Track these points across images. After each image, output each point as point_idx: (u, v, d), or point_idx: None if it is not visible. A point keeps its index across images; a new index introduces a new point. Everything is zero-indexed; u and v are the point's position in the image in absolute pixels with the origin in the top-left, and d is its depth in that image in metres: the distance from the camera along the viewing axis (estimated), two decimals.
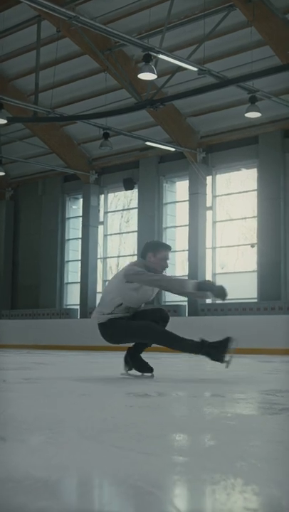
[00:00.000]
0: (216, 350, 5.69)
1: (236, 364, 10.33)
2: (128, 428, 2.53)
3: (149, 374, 5.83)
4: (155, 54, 13.60)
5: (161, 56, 13.73)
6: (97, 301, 21.42)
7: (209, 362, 10.40)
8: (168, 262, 5.93)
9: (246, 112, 15.49)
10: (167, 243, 6.39)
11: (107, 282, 5.73)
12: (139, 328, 5.70)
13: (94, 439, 2.19)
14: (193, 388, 4.79)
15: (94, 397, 3.94)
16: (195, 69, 14.27)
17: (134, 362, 5.90)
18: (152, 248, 5.91)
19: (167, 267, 5.93)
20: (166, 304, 19.61)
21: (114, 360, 10.80)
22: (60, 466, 1.76)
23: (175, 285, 5.76)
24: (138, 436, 2.33)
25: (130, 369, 5.90)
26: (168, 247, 5.99)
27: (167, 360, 11.26)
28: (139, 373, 5.86)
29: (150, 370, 5.86)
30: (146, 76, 13.85)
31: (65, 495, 1.50)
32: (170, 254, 6.00)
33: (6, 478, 1.62)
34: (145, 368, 5.88)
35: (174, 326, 19.14)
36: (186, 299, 18.96)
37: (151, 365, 5.90)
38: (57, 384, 4.91)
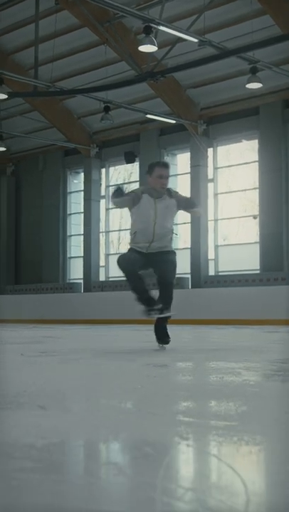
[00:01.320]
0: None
1: (243, 334, 10.47)
2: (159, 396, 2.62)
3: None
4: (155, 26, 13.53)
5: (161, 28, 13.65)
6: (100, 275, 21.60)
7: (214, 332, 10.49)
8: (165, 179, 6.04)
9: (247, 83, 15.46)
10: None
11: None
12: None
13: (131, 406, 2.28)
14: (207, 358, 4.88)
15: (115, 367, 4.03)
16: (195, 40, 14.19)
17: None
18: (148, 170, 6.14)
19: (165, 184, 6.05)
20: None
21: (118, 333, 10.93)
22: (111, 430, 1.85)
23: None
24: (171, 403, 2.42)
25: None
26: (162, 164, 6.16)
27: (172, 332, 11.38)
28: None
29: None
30: (146, 48, 13.80)
31: (126, 454, 1.58)
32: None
33: (61, 442, 1.71)
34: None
35: (177, 298, 19.26)
36: (189, 271, 19.07)
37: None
38: (74, 356, 5.01)
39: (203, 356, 5.05)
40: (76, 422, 1.99)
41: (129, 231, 6.30)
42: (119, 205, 6.43)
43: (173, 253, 6.20)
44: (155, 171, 5.99)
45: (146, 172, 6.16)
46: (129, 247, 6.18)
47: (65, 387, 2.92)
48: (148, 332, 9.66)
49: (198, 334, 10.93)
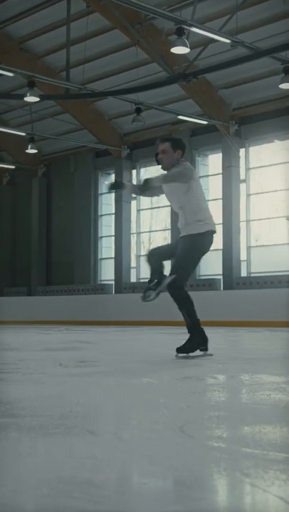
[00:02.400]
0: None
1: (278, 339, 10.34)
2: (208, 419, 2.56)
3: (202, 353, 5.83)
4: (187, 27, 13.45)
5: (193, 29, 13.58)
6: (132, 276, 21.59)
7: (247, 336, 10.38)
8: (161, 155, 5.94)
9: (280, 83, 15.32)
10: None
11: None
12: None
13: (182, 433, 2.23)
14: (247, 369, 4.79)
15: (156, 381, 3.98)
16: (228, 41, 14.10)
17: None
18: (181, 147, 5.93)
19: (160, 157, 5.94)
20: (201, 278, 19.61)
21: (151, 337, 10.87)
22: (168, 465, 1.79)
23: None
24: (222, 428, 2.37)
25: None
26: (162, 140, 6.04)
27: (208, 335, 11.29)
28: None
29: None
30: (179, 50, 13.74)
31: (189, 495, 1.52)
32: None
33: (120, 478, 1.66)
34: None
35: (210, 300, 19.11)
36: (221, 272, 18.98)
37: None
38: (114, 367, 4.97)
39: (241, 367, 4.95)
40: (130, 453, 1.93)
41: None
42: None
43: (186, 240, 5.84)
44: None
45: (175, 147, 5.87)
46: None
47: (111, 407, 2.88)
48: (180, 336, 9.59)
49: (231, 338, 10.83)
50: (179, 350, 5.73)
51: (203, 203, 5.94)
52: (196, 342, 5.79)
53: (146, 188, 5.75)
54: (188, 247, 5.76)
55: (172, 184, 5.80)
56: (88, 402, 3.00)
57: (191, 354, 5.73)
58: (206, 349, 5.85)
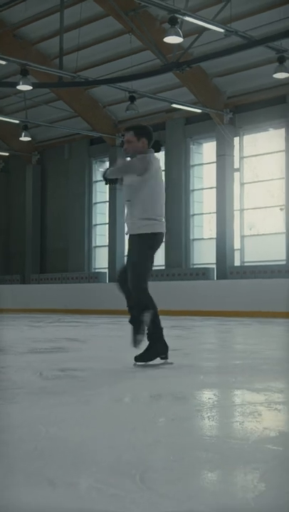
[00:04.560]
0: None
1: (269, 335, 10.29)
2: (171, 463, 2.49)
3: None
4: (180, 16, 13.29)
5: (186, 18, 13.41)
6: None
7: (238, 330, 10.34)
8: (126, 143, 5.58)
9: (274, 73, 15.24)
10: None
11: None
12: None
13: (142, 482, 2.15)
14: (233, 383, 4.73)
15: (131, 402, 3.91)
16: (222, 30, 13.94)
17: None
18: None
19: (125, 149, 5.60)
20: (195, 267, 19.56)
21: None
22: None
23: None
24: (199, 479, 2.29)
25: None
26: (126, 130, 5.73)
27: (197, 329, 11.25)
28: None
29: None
30: (172, 40, 13.60)
31: None
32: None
33: None
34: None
35: (203, 289, 19.00)
36: (214, 261, 18.92)
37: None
38: (91, 379, 4.87)
39: (227, 379, 4.83)
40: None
41: None
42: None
43: (135, 239, 5.56)
44: None
45: (139, 136, 5.56)
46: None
47: (75, 440, 2.79)
48: (173, 331, 9.54)
49: (222, 335, 10.77)
50: (138, 358, 5.50)
51: (158, 201, 5.54)
52: (157, 351, 5.55)
53: (106, 180, 5.51)
54: (135, 249, 5.55)
55: (128, 176, 5.48)
56: (55, 433, 2.93)
57: (149, 363, 5.50)
58: (166, 357, 5.61)
